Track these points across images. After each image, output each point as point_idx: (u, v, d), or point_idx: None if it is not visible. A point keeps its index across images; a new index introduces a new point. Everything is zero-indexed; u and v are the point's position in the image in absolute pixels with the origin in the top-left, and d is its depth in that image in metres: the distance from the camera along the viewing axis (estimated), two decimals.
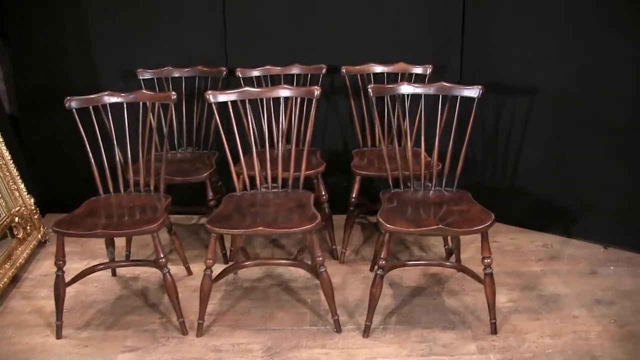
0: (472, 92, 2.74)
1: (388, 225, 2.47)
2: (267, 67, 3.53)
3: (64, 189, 3.88)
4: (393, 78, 3.52)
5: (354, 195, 3.20)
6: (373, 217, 3.66)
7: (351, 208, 3.25)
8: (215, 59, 3.64)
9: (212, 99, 2.77)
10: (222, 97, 2.78)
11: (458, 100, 2.77)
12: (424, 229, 2.46)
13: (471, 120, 2.77)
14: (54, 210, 3.76)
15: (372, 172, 3.15)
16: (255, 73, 3.49)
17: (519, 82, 3.48)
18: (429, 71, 3.45)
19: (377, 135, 3.48)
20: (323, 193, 3.25)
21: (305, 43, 3.63)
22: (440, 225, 2.44)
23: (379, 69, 3.50)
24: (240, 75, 3.48)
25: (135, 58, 3.61)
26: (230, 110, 2.79)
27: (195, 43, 3.64)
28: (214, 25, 3.62)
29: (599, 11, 3.18)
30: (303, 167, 2.86)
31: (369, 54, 3.56)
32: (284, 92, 2.81)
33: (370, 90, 2.73)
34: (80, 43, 3.66)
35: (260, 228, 2.47)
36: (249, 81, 3.49)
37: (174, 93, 2.82)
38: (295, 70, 3.54)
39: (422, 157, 2.85)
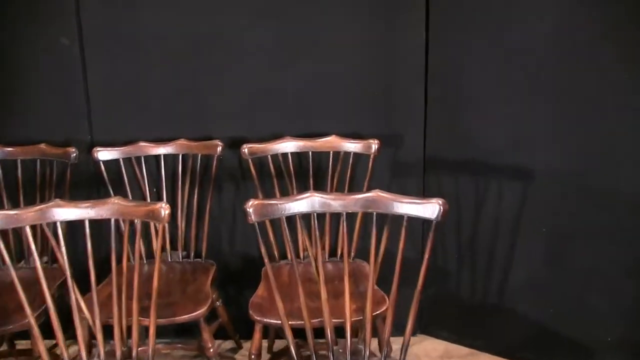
0: (428, 211, 1.62)
1: None
2: (140, 144, 2.42)
3: None
4: (324, 158, 2.42)
5: (253, 352, 2.07)
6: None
7: None
8: (77, 133, 2.54)
9: None
10: None
11: (406, 218, 1.66)
12: None
13: (427, 251, 1.66)
14: None
15: (277, 318, 2.00)
16: (116, 155, 2.38)
17: (507, 163, 2.38)
18: (374, 148, 2.34)
19: (300, 245, 2.39)
20: (209, 345, 2.13)
21: (198, 108, 2.52)
22: None
23: (294, 146, 2.38)
24: (99, 158, 2.38)
25: None
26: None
27: (48, 113, 2.53)
28: (73, 89, 2.51)
29: (619, 68, 2.08)
30: (151, 332, 1.73)
31: (291, 122, 2.47)
32: (104, 211, 1.68)
33: (249, 210, 1.62)
34: None
35: None
36: (113, 165, 2.39)
37: None
38: (176, 148, 2.43)
39: (347, 298, 1.73)
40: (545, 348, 2.50)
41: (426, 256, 1.66)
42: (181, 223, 2.44)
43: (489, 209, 2.46)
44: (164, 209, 1.64)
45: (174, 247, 2.49)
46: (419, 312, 2.78)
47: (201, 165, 2.45)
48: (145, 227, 2.41)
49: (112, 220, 1.70)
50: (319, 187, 2.49)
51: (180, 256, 2.47)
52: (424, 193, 2.57)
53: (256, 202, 1.63)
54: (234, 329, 2.63)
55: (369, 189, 2.33)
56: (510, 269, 2.50)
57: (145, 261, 2.44)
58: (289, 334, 1.72)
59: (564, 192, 2.29)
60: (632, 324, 2.27)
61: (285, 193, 2.44)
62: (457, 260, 2.62)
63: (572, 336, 2.41)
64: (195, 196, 2.44)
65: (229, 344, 2.78)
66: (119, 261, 1.71)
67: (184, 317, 2.06)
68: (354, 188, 2.47)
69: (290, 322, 1.93)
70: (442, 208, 1.61)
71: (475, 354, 2.68)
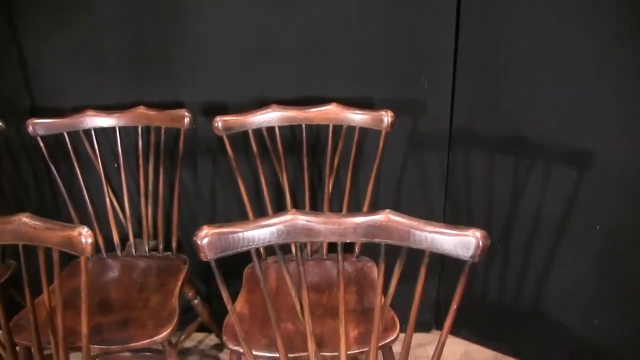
0: (460, 246, 1.14)
1: None
2: (88, 113, 1.90)
3: None
4: (323, 130, 1.91)
5: None
6: None
7: None
8: (14, 96, 2.03)
9: None
10: None
11: (427, 254, 1.17)
12: None
13: (455, 301, 1.19)
14: None
15: (256, 349, 1.55)
16: (57, 128, 1.88)
17: (559, 143, 1.85)
18: (386, 122, 1.80)
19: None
20: None
21: (164, 64, 1.98)
22: None
23: (281, 117, 1.84)
24: (34, 131, 1.88)
25: None
26: None
27: None
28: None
29: None
30: None
31: (283, 83, 1.94)
32: (7, 234, 1.21)
33: (201, 243, 1.14)
34: None
35: None
36: (59, 138, 1.90)
37: None
38: (133, 119, 1.91)
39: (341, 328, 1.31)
40: None
41: (454, 306, 1.19)
42: (146, 209, 1.97)
43: (531, 197, 1.96)
44: (84, 236, 1.16)
45: (139, 235, 2.04)
46: (436, 306, 2.37)
47: (168, 139, 1.95)
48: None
49: (20, 247, 1.23)
50: (316, 167, 2.00)
51: (147, 249, 2.01)
52: (448, 174, 2.07)
53: (211, 231, 1.14)
54: (217, 327, 2.21)
55: (378, 172, 1.86)
56: (550, 270, 2.02)
57: (105, 255, 2.00)
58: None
59: (628, 185, 1.77)
60: None
61: (274, 174, 1.95)
62: (485, 253, 2.14)
63: (616, 354, 1.96)
64: (161, 176, 1.95)
65: (213, 339, 2.39)
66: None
67: (143, 343, 1.64)
68: (362, 169, 1.98)
69: (271, 355, 1.53)
70: (481, 243, 1.13)
71: (500, 359, 2.27)
